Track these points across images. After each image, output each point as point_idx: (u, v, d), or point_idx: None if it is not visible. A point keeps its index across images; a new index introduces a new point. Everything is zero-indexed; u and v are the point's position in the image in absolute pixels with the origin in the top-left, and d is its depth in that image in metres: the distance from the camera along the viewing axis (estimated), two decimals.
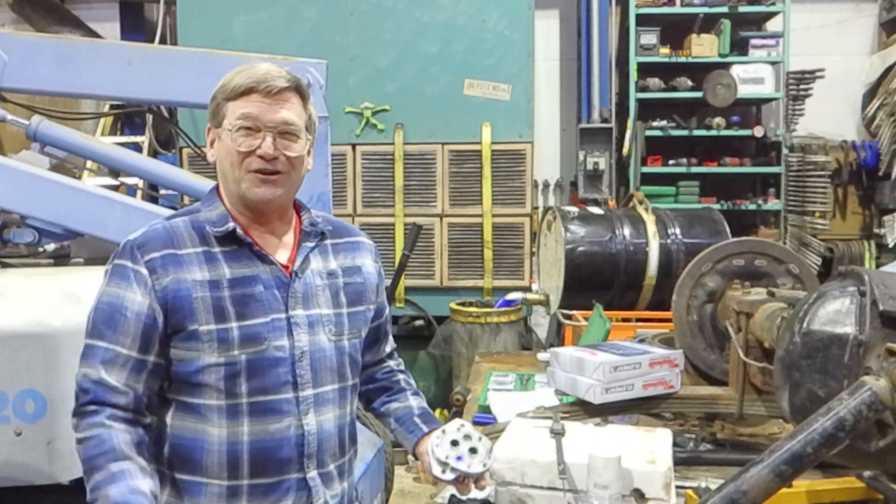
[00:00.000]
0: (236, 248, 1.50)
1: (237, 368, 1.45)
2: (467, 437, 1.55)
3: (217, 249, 1.49)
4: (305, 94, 1.54)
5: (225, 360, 1.44)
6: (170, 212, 2.90)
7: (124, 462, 1.38)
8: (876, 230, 5.97)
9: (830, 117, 6.06)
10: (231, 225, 1.50)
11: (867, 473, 1.69)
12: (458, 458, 1.52)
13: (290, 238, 1.57)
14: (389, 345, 1.80)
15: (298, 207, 1.61)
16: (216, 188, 1.57)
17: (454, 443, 1.54)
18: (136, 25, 6.34)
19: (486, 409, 2.48)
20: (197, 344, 1.44)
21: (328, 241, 1.61)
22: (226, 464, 1.45)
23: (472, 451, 1.54)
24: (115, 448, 1.38)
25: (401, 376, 1.79)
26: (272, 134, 1.47)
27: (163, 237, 1.48)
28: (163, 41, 5.86)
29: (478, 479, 1.55)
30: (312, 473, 1.50)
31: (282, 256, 1.54)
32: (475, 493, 1.58)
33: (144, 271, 1.45)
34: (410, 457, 4.75)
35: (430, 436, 1.62)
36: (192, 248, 1.48)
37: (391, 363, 1.80)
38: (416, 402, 1.74)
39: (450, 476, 1.53)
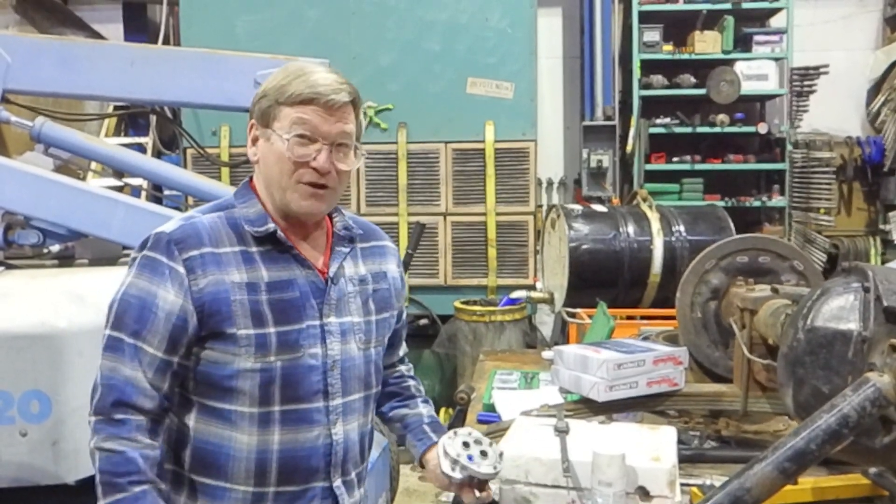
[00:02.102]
0: (273, 250, 1.46)
1: (272, 375, 1.42)
2: (478, 441, 1.55)
3: (254, 249, 1.45)
4: (359, 105, 1.50)
5: (261, 367, 1.41)
6: (174, 212, 2.92)
7: (147, 485, 1.36)
8: (881, 226, 5.94)
9: (835, 113, 6.04)
10: (272, 226, 1.46)
11: (872, 470, 1.69)
12: (469, 459, 1.52)
13: (322, 240, 1.54)
14: (402, 349, 1.79)
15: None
16: (249, 182, 1.53)
17: (465, 444, 1.54)
18: (139, 26, 6.34)
19: (490, 408, 2.48)
20: (234, 348, 1.40)
21: (358, 245, 1.58)
22: (253, 471, 1.43)
23: (483, 454, 1.53)
24: (140, 470, 1.36)
25: (411, 382, 1.78)
26: (328, 146, 1.43)
27: (202, 234, 1.43)
28: (166, 42, 5.87)
29: (482, 486, 1.55)
30: (338, 482, 1.50)
31: (315, 259, 1.51)
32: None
33: (182, 270, 1.40)
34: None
35: (438, 444, 1.61)
36: (231, 248, 1.43)
37: (402, 368, 1.79)
38: (426, 411, 1.73)
39: (459, 475, 1.52)
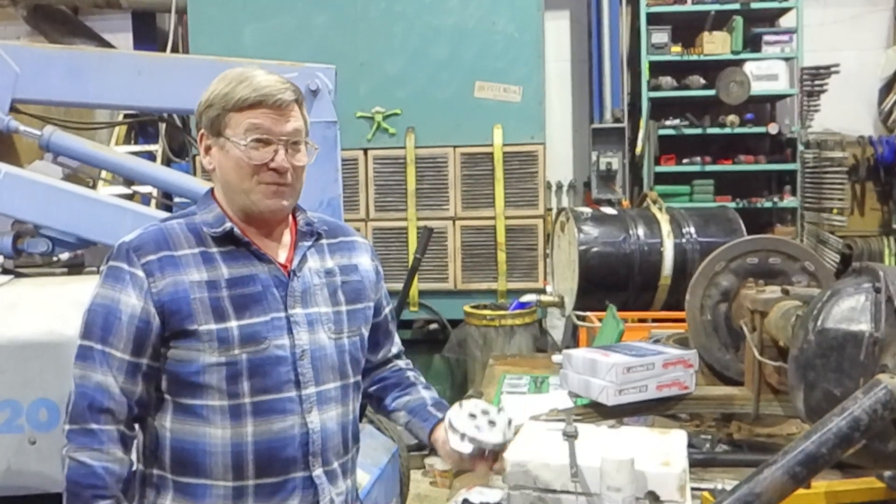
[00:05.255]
0: (234, 249, 1.51)
1: (238, 368, 1.45)
2: (485, 412, 1.54)
3: (214, 250, 1.49)
4: (302, 101, 1.56)
5: (226, 360, 1.44)
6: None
7: (110, 500, 1.40)
8: (895, 226, 5.89)
9: (846, 113, 6.00)
10: (228, 225, 1.51)
11: (887, 473, 1.66)
12: (477, 429, 1.50)
13: (286, 238, 1.58)
14: (396, 346, 1.79)
15: (294, 209, 1.62)
16: (211, 192, 1.57)
17: (472, 416, 1.52)
18: (148, 35, 6.39)
19: None
20: (197, 344, 1.44)
21: (324, 241, 1.62)
22: (230, 465, 1.45)
23: (491, 423, 1.52)
24: (105, 485, 1.40)
25: (410, 373, 1.78)
26: (284, 146, 1.48)
27: (159, 239, 1.49)
28: (175, 50, 5.91)
29: (495, 456, 1.53)
30: (318, 471, 1.51)
31: (279, 256, 1.54)
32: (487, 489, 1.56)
33: (141, 274, 1.45)
34: (427, 462, 4.75)
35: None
36: (189, 250, 1.48)
37: (399, 363, 1.79)
38: (428, 394, 1.73)
39: (468, 447, 1.50)
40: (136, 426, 1.50)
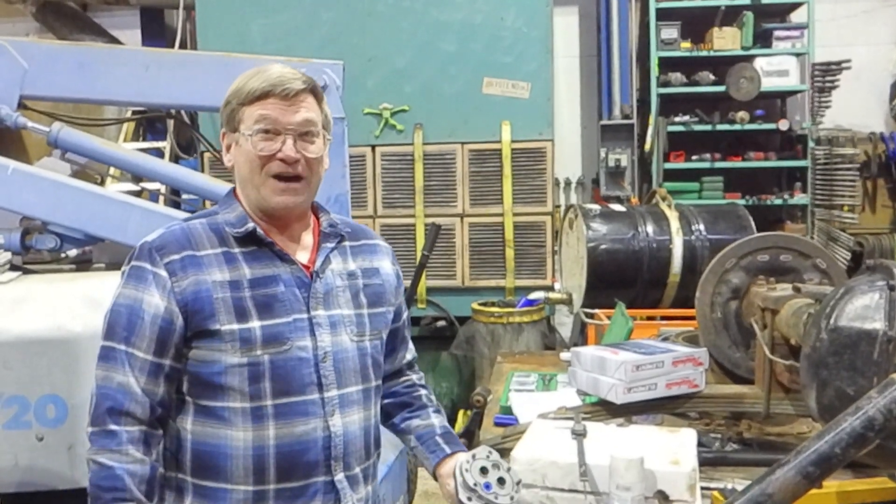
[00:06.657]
0: (256, 249, 1.49)
1: (261, 370, 1.43)
2: (496, 465, 1.52)
3: (237, 250, 1.48)
4: (320, 94, 1.53)
5: (248, 361, 1.42)
6: (189, 216, 2.92)
7: (129, 503, 1.38)
8: None
9: (857, 109, 5.95)
10: (251, 225, 1.49)
11: None
12: (487, 487, 1.48)
13: (309, 240, 1.56)
14: (410, 353, 1.77)
15: (317, 210, 1.60)
16: (233, 191, 1.56)
17: (483, 470, 1.50)
18: (156, 32, 6.39)
19: (507, 410, 2.45)
20: (220, 344, 1.42)
21: (347, 244, 1.60)
22: (251, 469, 1.43)
23: (501, 481, 1.50)
24: (125, 487, 1.38)
25: (422, 391, 1.76)
26: (292, 136, 1.46)
27: (181, 239, 1.47)
28: (183, 46, 5.90)
29: None
30: (340, 476, 1.48)
31: (302, 257, 1.53)
32: None
33: (164, 274, 1.43)
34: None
35: (452, 458, 1.60)
36: (212, 250, 1.47)
37: (413, 377, 1.77)
38: (438, 421, 1.71)
39: None
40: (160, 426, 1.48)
